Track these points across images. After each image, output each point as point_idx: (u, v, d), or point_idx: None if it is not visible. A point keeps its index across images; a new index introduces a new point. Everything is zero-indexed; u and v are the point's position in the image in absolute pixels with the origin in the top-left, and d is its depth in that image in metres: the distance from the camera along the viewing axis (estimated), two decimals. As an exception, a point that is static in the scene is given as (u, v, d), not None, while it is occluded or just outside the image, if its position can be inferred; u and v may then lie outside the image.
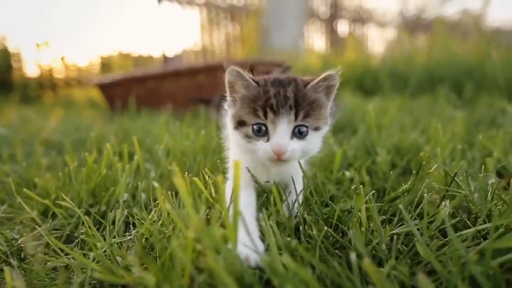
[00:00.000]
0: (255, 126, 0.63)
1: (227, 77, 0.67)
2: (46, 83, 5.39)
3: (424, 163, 0.79)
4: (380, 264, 0.53)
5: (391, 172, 0.81)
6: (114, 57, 5.93)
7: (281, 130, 0.61)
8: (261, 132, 0.63)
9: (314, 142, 0.66)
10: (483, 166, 0.74)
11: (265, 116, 0.62)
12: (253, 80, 0.65)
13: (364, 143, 1.07)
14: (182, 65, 6.07)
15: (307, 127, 0.63)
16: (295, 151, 0.62)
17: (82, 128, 1.76)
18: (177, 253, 0.45)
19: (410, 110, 1.75)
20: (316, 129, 0.65)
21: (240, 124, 0.65)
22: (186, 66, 2.71)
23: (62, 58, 5.44)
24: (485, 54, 2.56)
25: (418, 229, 0.56)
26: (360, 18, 7.27)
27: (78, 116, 2.43)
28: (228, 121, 0.70)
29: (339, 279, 0.46)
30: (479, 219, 0.59)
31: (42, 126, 1.83)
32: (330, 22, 6.84)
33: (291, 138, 0.62)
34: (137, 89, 2.23)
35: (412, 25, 7.11)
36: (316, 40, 6.72)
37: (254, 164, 0.69)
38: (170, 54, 6.26)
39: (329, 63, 3.39)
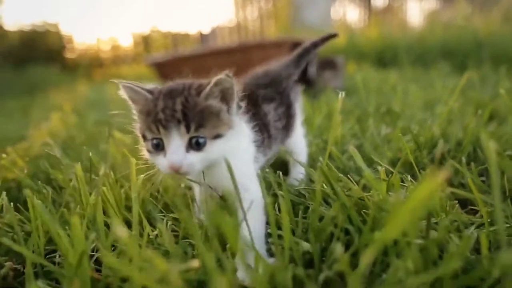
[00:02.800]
0: (154, 141, 0.62)
1: (123, 93, 0.66)
2: (94, 62, 6.15)
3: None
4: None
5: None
6: (154, 35, 6.57)
7: (174, 145, 0.60)
8: (160, 147, 0.62)
9: (220, 150, 0.63)
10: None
11: (158, 130, 0.60)
12: (149, 91, 0.64)
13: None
14: (217, 43, 6.61)
15: (203, 137, 0.61)
16: (192, 164, 0.60)
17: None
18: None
19: (414, 80, 2.18)
20: (217, 136, 0.62)
21: (144, 138, 0.65)
22: (225, 45, 3.21)
23: (109, 38, 6.18)
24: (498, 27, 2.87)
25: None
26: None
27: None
28: (138, 134, 0.68)
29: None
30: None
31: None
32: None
33: (188, 151, 0.60)
34: (185, 67, 2.77)
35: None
36: (350, 15, 6.95)
37: None
38: (206, 31, 6.82)
39: (355, 39, 3.79)
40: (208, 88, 0.61)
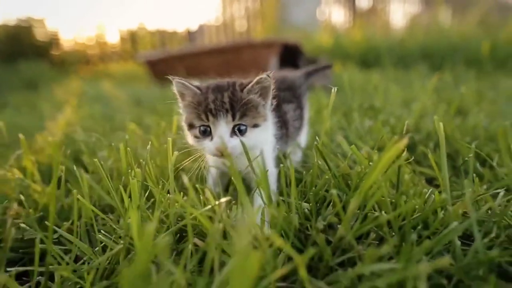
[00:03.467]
0: (201, 128, 0.74)
1: (175, 88, 0.77)
2: (81, 59, 6.16)
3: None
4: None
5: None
6: (141, 33, 6.63)
7: (221, 130, 0.71)
8: (206, 133, 0.74)
9: (256, 137, 0.75)
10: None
11: (207, 119, 0.72)
12: (197, 87, 0.76)
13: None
14: (204, 41, 6.74)
15: (245, 125, 0.73)
16: (235, 147, 0.72)
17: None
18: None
19: (395, 80, 2.37)
20: (255, 126, 0.74)
21: (190, 126, 0.76)
22: (217, 45, 3.34)
23: (96, 35, 6.23)
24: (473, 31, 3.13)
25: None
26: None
27: (134, 86, 3.14)
28: (183, 124, 0.80)
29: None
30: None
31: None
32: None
33: (231, 136, 0.72)
34: (177, 65, 2.90)
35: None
36: (335, 16, 7.15)
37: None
38: (193, 29, 6.94)
39: (340, 41, 4.00)
40: (250, 85, 0.74)
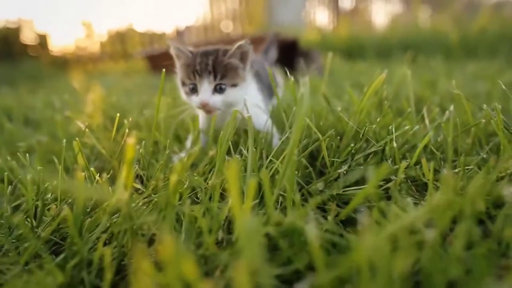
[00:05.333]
0: (190, 85, 0.87)
1: (172, 52, 0.92)
2: (71, 59, 6.33)
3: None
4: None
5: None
6: (130, 33, 6.83)
7: (204, 88, 0.85)
8: (194, 90, 0.87)
9: (235, 95, 0.88)
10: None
11: (195, 78, 0.85)
12: (189, 51, 0.89)
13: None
14: (193, 40, 6.99)
15: (225, 84, 0.86)
16: (215, 102, 0.85)
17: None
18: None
19: (378, 67, 2.69)
20: (233, 85, 0.87)
21: (183, 84, 0.90)
22: (212, 39, 3.61)
23: (85, 35, 6.40)
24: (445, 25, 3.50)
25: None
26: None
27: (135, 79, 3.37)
28: (178, 83, 0.93)
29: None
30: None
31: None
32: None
33: (213, 93, 0.85)
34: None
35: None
36: (319, 16, 7.52)
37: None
38: (181, 29, 7.19)
39: (326, 38, 4.33)
40: (232, 50, 0.86)
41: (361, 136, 0.75)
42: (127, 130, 0.80)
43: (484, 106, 0.77)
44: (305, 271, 0.47)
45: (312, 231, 0.37)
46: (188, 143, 1.01)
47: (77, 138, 0.81)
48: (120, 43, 6.74)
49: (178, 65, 0.94)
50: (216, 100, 0.86)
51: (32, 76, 3.50)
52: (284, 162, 0.57)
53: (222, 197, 0.65)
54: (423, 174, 0.66)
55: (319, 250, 0.36)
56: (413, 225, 0.40)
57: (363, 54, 3.65)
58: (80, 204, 0.51)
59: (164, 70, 0.83)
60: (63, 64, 5.91)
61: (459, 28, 3.49)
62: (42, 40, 6.27)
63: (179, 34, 7.29)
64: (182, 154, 0.95)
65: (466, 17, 4.23)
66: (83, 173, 0.56)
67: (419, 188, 0.69)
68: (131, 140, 0.49)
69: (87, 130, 0.83)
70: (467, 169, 0.64)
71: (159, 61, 3.39)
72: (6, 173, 0.68)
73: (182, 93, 0.93)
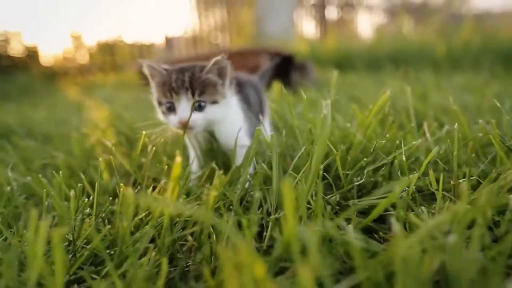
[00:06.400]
0: (167, 104, 0.84)
1: (146, 70, 0.88)
2: (59, 71, 6.31)
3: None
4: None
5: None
6: (120, 44, 6.86)
7: (182, 106, 0.81)
8: (171, 109, 0.83)
9: (215, 112, 0.85)
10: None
11: (171, 96, 0.82)
12: (164, 69, 0.86)
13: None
14: (182, 51, 7.05)
15: (204, 101, 0.82)
16: (195, 121, 0.81)
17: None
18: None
19: (368, 78, 2.80)
20: (214, 102, 0.84)
21: (159, 103, 0.86)
22: (208, 52, 3.67)
23: (73, 47, 6.41)
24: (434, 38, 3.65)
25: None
26: (349, 3, 8.22)
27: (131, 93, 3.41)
28: (154, 103, 0.89)
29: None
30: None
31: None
32: (319, 9, 7.81)
33: (193, 111, 0.81)
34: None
35: (398, 9, 8.17)
36: (306, 27, 7.69)
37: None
38: (170, 40, 7.26)
39: (315, 49, 4.45)
40: (208, 66, 0.83)
41: (371, 150, 0.82)
42: (153, 147, 0.85)
43: (480, 120, 0.85)
44: (336, 275, 0.53)
45: (352, 235, 0.44)
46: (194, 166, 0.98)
47: (100, 158, 0.86)
48: (110, 54, 6.76)
49: (153, 84, 0.90)
50: (196, 118, 0.83)
51: (24, 90, 3.50)
52: (310, 175, 0.63)
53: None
54: (430, 184, 0.73)
55: (360, 252, 0.43)
56: (435, 230, 0.47)
57: (351, 66, 3.77)
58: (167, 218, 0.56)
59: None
60: (51, 76, 5.89)
61: (444, 40, 3.65)
62: (31, 53, 6.25)
63: (168, 45, 7.35)
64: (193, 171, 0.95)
65: (449, 29, 4.42)
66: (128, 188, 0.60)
67: (426, 198, 0.76)
68: (178, 159, 0.55)
69: (112, 147, 0.87)
70: (471, 179, 0.71)
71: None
72: (44, 190, 0.72)
73: (159, 113, 0.89)
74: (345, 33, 7.12)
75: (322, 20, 7.80)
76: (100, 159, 0.85)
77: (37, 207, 0.87)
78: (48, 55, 6.25)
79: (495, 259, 0.48)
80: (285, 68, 2.59)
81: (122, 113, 1.37)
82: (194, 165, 0.97)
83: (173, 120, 0.83)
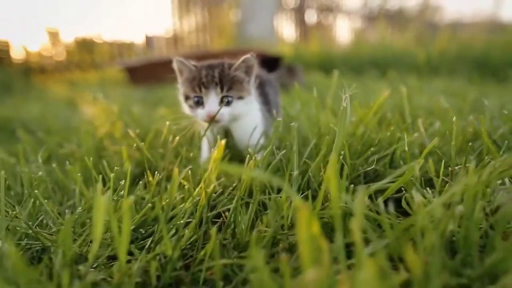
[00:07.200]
0: (195, 98, 0.88)
1: (175, 65, 0.93)
2: (35, 68, 6.16)
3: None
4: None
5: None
6: (98, 42, 6.77)
7: (211, 100, 0.87)
8: (199, 103, 0.88)
9: (240, 108, 0.90)
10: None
11: (200, 91, 0.87)
12: (193, 65, 0.91)
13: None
14: (163, 51, 7.05)
15: (231, 97, 0.88)
16: (222, 114, 0.86)
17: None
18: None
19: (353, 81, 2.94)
20: (240, 98, 0.89)
21: (186, 98, 0.91)
22: (195, 52, 3.74)
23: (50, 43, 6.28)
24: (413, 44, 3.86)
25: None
26: (328, 7, 8.44)
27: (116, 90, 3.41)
28: (180, 98, 0.95)
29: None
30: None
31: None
32: (298, 12, 8.00)
33: (220, 105, 0.86)
34: (157, 71, 3.27)
35: (375, 15, 8.47)
36: (286, 30, 7.85)
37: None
38: (150, 39, 7.24)
39: (299, 51, 4.59)
40: (237, 63, 0.90)
41: (377, 141, 0.91)
42: (175, 138, 0.91)
43: (470, 117, 0.96)
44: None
45: (381, 205, 0.53)
46: (204, 153, 1.05)
47: (123, 146, 0.92)
48: (88, 52, 6.67)
49: (181, 79, 0.95)
50: (224, 112, 0.88)
51: (4, 86, 3.43)
52: (330, 161, 0.72)
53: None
54: (428, 172, 0.84)
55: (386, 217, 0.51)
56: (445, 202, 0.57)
57: (334, 69, 3.92)
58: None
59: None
60: (27, 73, 5.76)
61: (422, 48, 3.86)
62: (3, 48, 6.08)
63: (149, 44, 7.33)
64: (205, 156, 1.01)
65: (426, 38, 4.67)
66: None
67: (425, 184, 0.86)
68: (222, 142, 0.63)
69: (136, 137, 0.93)
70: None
71: (139, 74, 3.46)
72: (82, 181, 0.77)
73: (185, 107, 0.94)
74: (324, 37, 7.32)
75: (301, 24, 7.99)
76: (123, 147, 0.91)
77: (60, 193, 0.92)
78: (22, 51, 6.09)
79: (494, 225, 0.58)
80: (274, 70, 2.70)
81: (130, 108, 1.42)
82: (205, 156, 1.03)
83: (201, 113, 0.88)
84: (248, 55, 0.89)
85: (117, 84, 3.84)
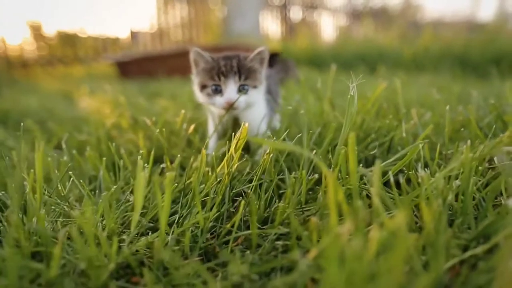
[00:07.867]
0: (213, 87, 0.94)
1: (192, 56, 0.98)
2: (16, 63, 6.05)
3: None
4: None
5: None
6: (82, 37, 6.69)
7: (230, 88, 0.92)
8: (217, 91, 0.94)
9: (254, 96, 0.97)
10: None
11: (219, 79, 0.92)
12: (210, 56, 0.96)
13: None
14: (147, 47, 7.04)
15: (248, 85, 0.94)
16: (240, 101, 0.92)
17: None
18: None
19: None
20: (254, 87, 0.96)
21: (203, 87, 0.96)
22: (184, 47, 3.78)
23: (34, 37, 6.18)
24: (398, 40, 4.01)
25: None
26: (312, 5, 8.55)
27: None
28: (195, 87, 1.00)
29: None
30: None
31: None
32: (284, 9, 8.08)
33: (237, 93, 0.93)
34: (147, 66, 3.30)
35: (359, 12, 8.64)
36: (272, 27, 7.93)
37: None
38: (135, 34, 7.20)
39: (287, 47, 4.69)
40: (253, 54, 0.96)
41: (376, 128, 1.00)
42: (190, 125, 0.98)
43: (460, 107, 1.06)
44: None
45: (391, 178, 0.61)
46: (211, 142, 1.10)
47: (136, 134, 0.98)
48: (71, 46, 6.58)
49: (196, 70, 1.00)
50: (241, 100, 0.94)
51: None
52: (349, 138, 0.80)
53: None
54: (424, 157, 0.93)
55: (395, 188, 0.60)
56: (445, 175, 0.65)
57: (322, 64, 4.04)
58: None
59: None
60: (8, 67, 5.66)
61: (407, 45, 4.02)
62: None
63: (134, 39, 7.29)
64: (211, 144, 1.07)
65: (410, 35, 4.84)
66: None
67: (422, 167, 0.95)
68: (246, 125, 0.70)
69: (152, 126, 0.99)
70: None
71: (130, 68, 3.49)
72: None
73: (202, 96, 0.99)
74: (309, 34, 7.42)
75: (286, 21, 8.08)
76: (140, 135, 0.97)
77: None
78: (1, 45, 5.97)
79: (486, 196, 0.67)
80: (270, 65, 2.77)
81: (136, 99, 1.47)
82: (212, 145, 1.08)
83: (220, 100, 0.94)
84: (262, 48, 0.97)
85: (106, 78, 3.84)
